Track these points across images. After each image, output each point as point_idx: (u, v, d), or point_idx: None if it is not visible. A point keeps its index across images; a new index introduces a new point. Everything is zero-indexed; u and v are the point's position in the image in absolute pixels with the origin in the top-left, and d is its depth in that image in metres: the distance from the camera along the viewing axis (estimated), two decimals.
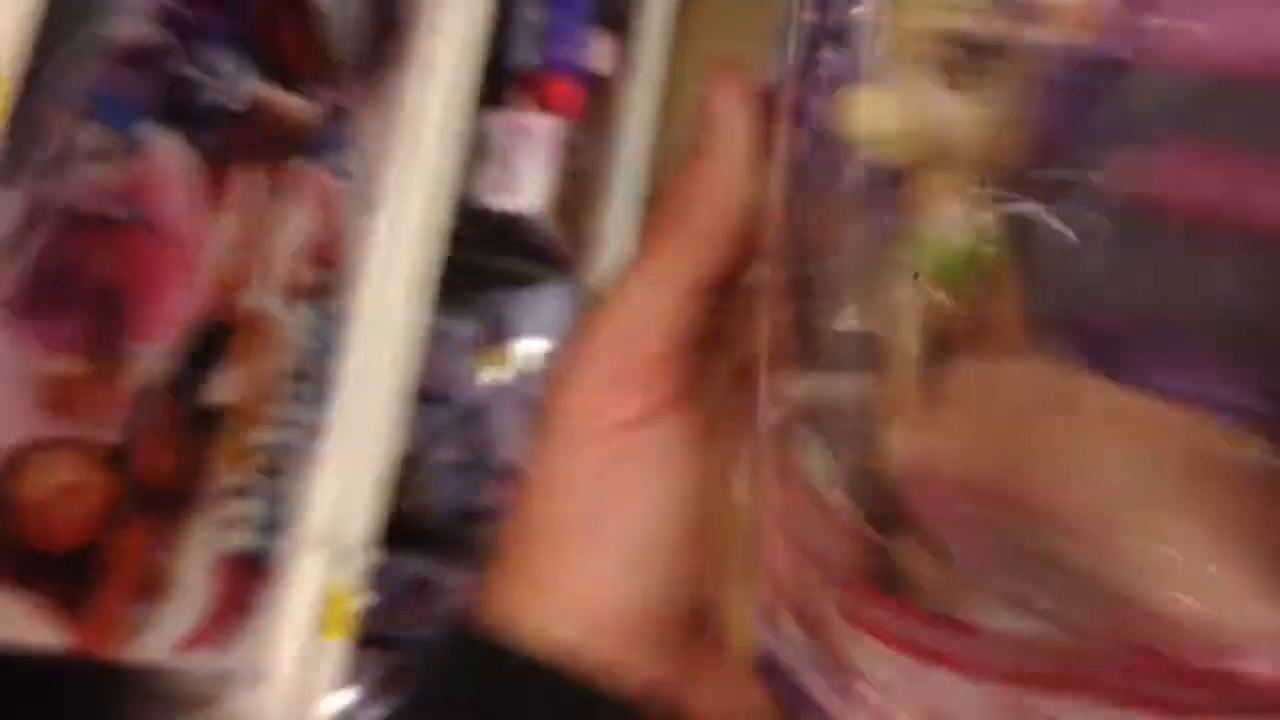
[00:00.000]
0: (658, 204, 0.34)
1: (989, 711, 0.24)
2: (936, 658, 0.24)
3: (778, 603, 0.28)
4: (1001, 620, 0.24)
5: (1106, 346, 0.23)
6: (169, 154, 0.62)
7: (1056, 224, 0.23)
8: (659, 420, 0.32)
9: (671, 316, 0.32)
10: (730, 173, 0.32)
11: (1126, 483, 0.23)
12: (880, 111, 0.27)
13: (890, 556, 0.26)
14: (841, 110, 0.27)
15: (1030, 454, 0.24)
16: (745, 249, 0.33)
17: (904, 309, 0.25)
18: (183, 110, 0.62)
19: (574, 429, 0.33)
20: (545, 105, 1.09)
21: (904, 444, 0.25)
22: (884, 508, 0.25)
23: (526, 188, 1.05)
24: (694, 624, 0.32)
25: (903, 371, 0.25)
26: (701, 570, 0.32)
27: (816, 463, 0.27)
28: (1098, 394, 0.23)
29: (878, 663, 0.25)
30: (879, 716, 0.26)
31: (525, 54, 1.09)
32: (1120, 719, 0.23)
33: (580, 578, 0.32)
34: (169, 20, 0.59)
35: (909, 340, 0.25)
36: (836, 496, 0.26)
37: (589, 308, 0.34)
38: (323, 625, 0.83)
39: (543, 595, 0.32)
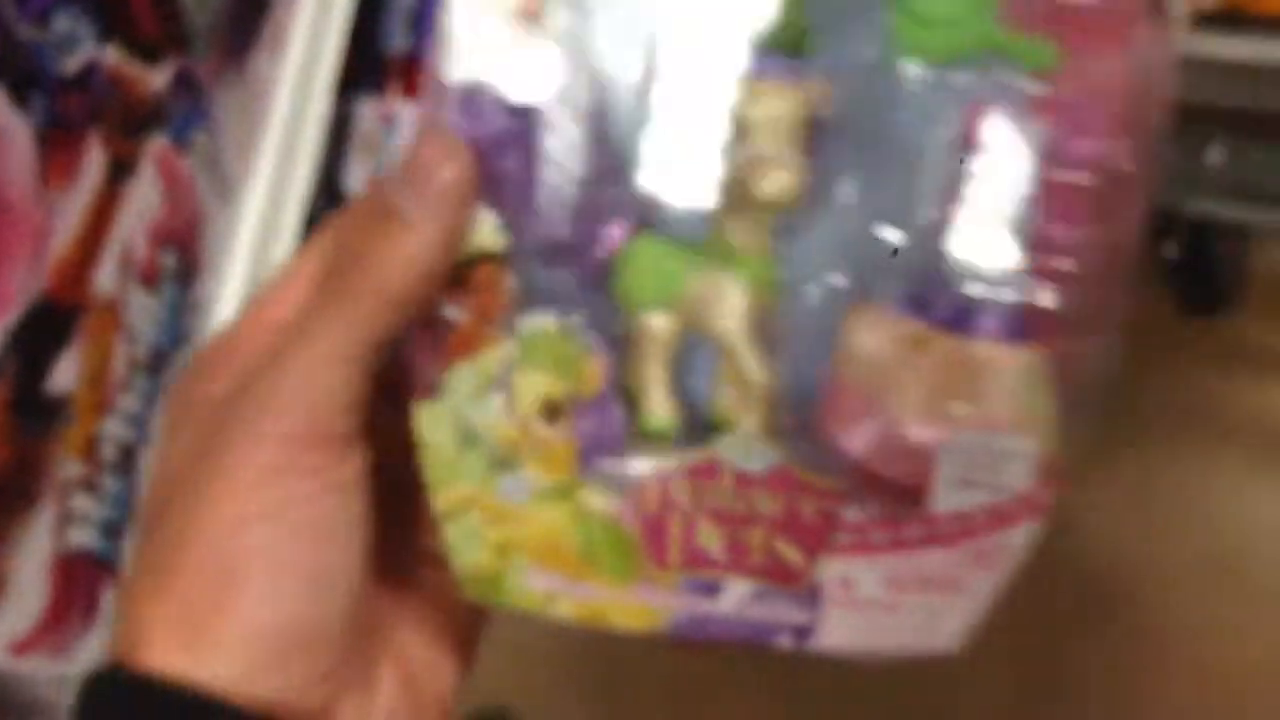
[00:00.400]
0: (336, 245, 0.36)
1: None
2: None
3: None
4: None
5: None
6: (3, 117, 0.58)
7: None
8: (331, 469, 0.34)
9: (344, 390, 0.34)
10: (423, 245, 0.34)
11: None
12: None
13: None
14: None
15: None
16: (421, 309, 0.35)
17: None
18: (13, 72, 0.58)
19: (242, 478, 0.33)
20: (419, 94, 1.07)
21: None
22: None
23: None
24: (366, 639, 0.36)
25: None
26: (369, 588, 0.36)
27: None
28: None
29: None
30: None
31: (396, 40, 1.06)
32: None
33: (253, 614, 0.33)
34: None
35: None
36: None
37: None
38: None
39: (211, 633, 0.33)
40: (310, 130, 0.89)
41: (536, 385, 0.37)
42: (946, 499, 0.37)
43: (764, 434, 0.39)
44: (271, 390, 0.33)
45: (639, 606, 0.39)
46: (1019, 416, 0.37)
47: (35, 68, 0.61)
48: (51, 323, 0.67)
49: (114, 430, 0.74)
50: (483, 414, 0.37)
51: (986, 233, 0.38)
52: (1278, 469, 1.46)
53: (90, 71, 0.66)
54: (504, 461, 0.37)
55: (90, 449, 0.72)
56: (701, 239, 0.39)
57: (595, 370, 0.37)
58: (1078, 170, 0.38)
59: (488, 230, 0.36)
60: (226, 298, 0.83)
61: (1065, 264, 0.38)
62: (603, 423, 0.38)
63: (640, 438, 0.39)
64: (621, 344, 0.39)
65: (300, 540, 0.33)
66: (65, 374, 0.68)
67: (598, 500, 0.38)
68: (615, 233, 0.39)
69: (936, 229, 0.39)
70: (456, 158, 0.34)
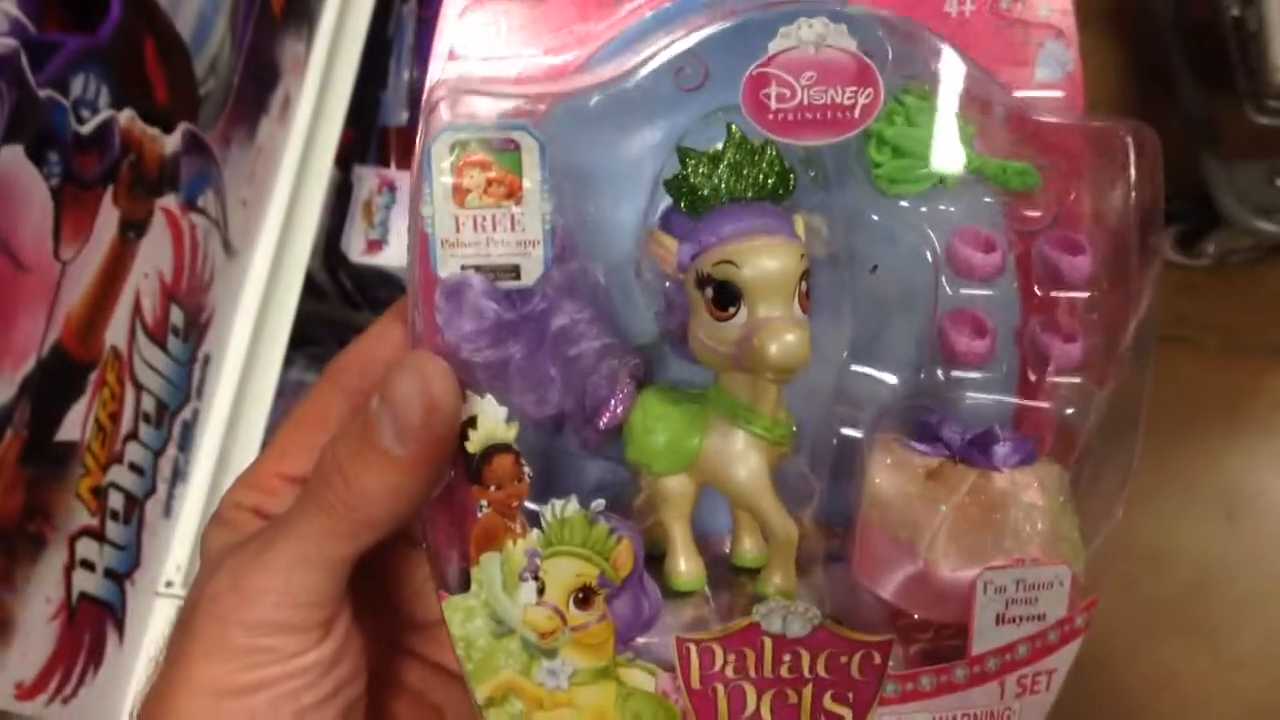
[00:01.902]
0: (325, 455, 0.37)
1: None
2: None
3: None
4: None
5: None
6: (21, 175, 0.60)
7: None
8: (303, 653, 0.36)
9: (318, 589, 0.36)
10: (403, 478, 0.35)
11: None
12: None
13: None
14: None
15: None
16: (400, 525, 0.37)
17: None
18: (31, 131, 0.61)
19: (219, 657, 0.36)
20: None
21: None
22: None
23: (395, 244, 1.05)
24: None
25: None
26: None
27: None
28: None
29: None
30: None
31: (397, 112, 1.10)
32: None
33: None
34: (19, 35, 0.58)
35: None
36: None
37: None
38: None
39: None
40: (314, 195, 0.91)
41: (567, 572, 0.37)
42: (987, 638, 0.37)
43: (797, 587, 0.39)
44: (252, 583, 0.36)
45: None
46: (1050, 545, 0.37)
47: (52, 127, 0.62)
48: (64, 374, 0.68)
49: (121, 480, 0.75)
50: (515, 605, 0.37)
51: (988, 358, 0.39)
52: None
53: (105, 132, 0.68)
54: (541, 649, 0.37)
55: (98, 498, 0.73)
56: (706, 388, 0.40)
57: (624, 552, 0.37)
58: (1070, 287, 0.39)
59: (497, 422, 0.37)
60: (231, 352, 0.85)
61: (1066, 377, 0.39)
62: (637, 603, 0.38)
63: (671, 594, 0.39)
64: (642, 512, 0.40)
65: (276, 712, 0.36)
66: (75, 424, 0.69)
67: (640, 679, 0.38)
68: (621, 397, 0.39)
69: (937, 359, 0.40)
70: (436, 392, 0.35)
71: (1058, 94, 0.39)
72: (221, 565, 0.37)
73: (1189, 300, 1.51)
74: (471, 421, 0.37)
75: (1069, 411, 0.39)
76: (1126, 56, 1.63)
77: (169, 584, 0.82)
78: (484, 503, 0.37)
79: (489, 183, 0.36)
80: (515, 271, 0.37)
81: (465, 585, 0.37)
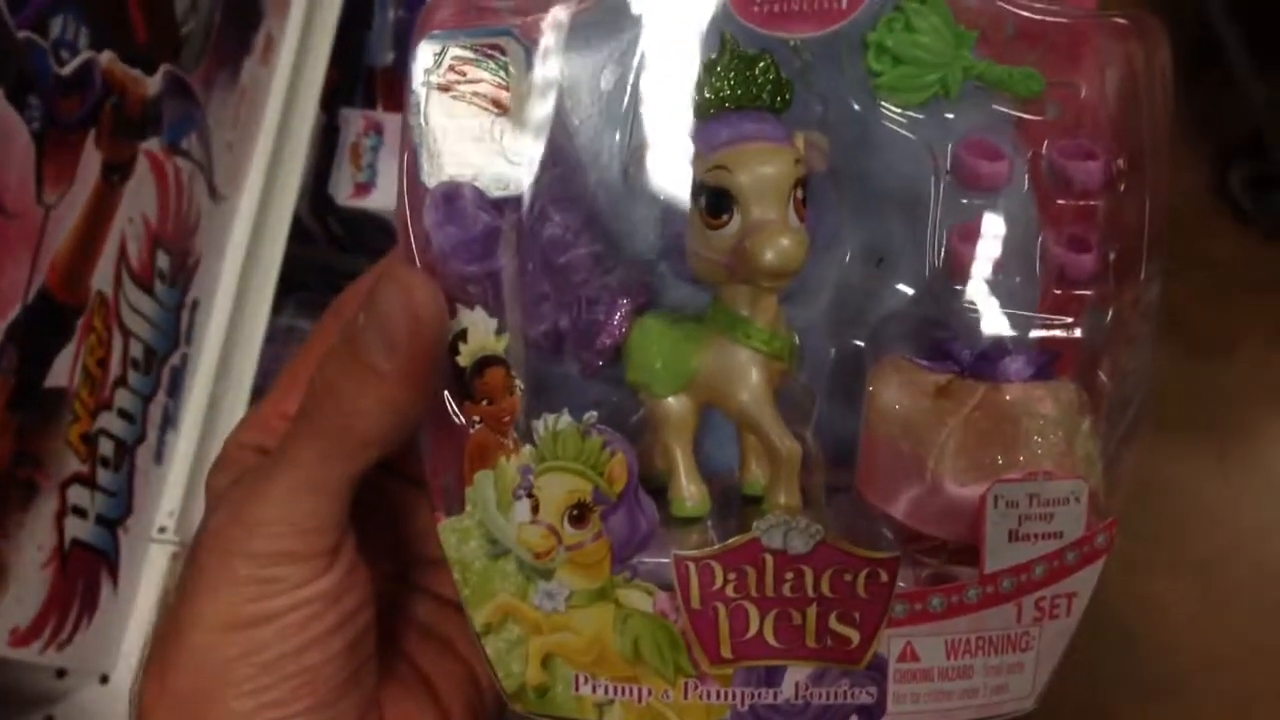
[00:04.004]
0: (314, 379, 0.36)
1: None
2: None
3: None
4: None
5: None
6: (2, 118, 0.59)
7: None
8: (309, 582, 0.36)
9: (318, 515, 0.36)
10: (393, 393, 0.35)
11: None
12: None
13: None
14: None
15: None
16: (396, 443, 0.36)
17: None
18: (11, 74, 0.60)
19: (226, 589, 0.36)
20: (399, 106, 1.08)
21: None
22: None
23: (383, 188, 1.04)
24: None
25: None
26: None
27: None
28: None
29: None
30: None
31: (382, 52, 1.08)
32: None
33: (240, 706, 0.36)
34: None
35: None
36: None
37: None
38: None
39: None
40: (299, 138, 0.91)
41: (561, 488, 0.36)
42: (1000, 556, 0.35)
43: (802, 507, 0.37)
44: (253, 514, 0.36)
45: (696, 705, 0.37)
46: (1064, 459, 0.36)
47: (33, 70, 0.62)
48: (50, 320, 0.67)
49: (111, 427, 0.75)
50: (510, 524, 0.36)
51: (998, 271, 0.37)
52: None
53: (86, 74, 0.67)
54: (537, 570, 0.36)
55: (88, 444, 0.73)
56: (705, 311, 0.38)
57: (619, 466, 0.36)
58: (1082, 194, 0.37)
59: (487, 334, 0.36)
60: (219, 298, 0.85)
61: (1081, 290, 0.37)
62: (633, 519, 0.36)
63: (675, 523, 0.38)
64: (639, 432, 0.38)
65: (284, 644, 0.36)
66: (63, 370, 0.69)
67: (638, 599, 0.36)
68: (619, 318, 0.38)
69: (944, 273, 0.38)
70: (420, 301, 0.34)
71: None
72: (223, 497, 0.37)
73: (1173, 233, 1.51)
74: (462, 335, 0.36)
75: (1087, 326, 0.37)
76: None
77: (162, 530, 0.82)
78: (476, 418, 0.36)
79: (474, 90, 0.35)
80: (504, 181, 0.36)
81: (461, 507, 0.36)
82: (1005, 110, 0.37)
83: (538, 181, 0.36)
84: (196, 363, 0.85)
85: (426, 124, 0.36)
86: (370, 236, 1.09)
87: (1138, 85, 0.37)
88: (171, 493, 0.83)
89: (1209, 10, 1.55)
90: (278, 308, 0.92)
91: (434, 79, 0.35)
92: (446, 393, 0.36)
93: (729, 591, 0.36)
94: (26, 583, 0.67)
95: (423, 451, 0.37)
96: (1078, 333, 0.37)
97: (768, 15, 0.36)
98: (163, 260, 0.79)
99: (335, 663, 0.36)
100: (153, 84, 0.75)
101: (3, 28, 0.59)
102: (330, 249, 1.10)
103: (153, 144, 0.76)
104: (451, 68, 0.35)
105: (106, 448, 0.75)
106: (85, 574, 0.73)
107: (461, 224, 0.36)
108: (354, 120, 1.05)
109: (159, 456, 0.82)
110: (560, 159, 0.37)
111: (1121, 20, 0.37)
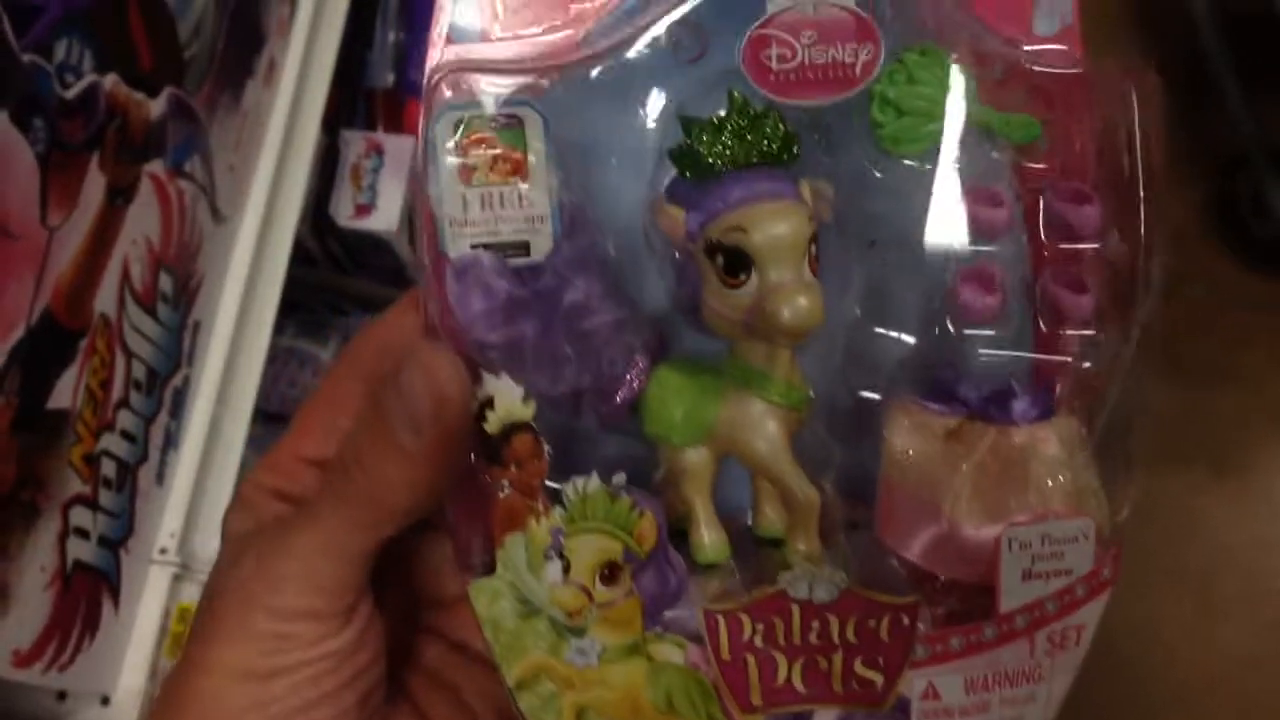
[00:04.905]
0: (344, 445, 0.37)
1: None
2: None
3: None
4: None
5: None
6: (7, 141, 0.60)
7: None
8: (323, 640, 0.37)
9: (339, 577, 0.36)
10: (419, 471, 0.36)
11: None
12: None
13: None
14: None
15: None
16: (422, 513, 0.37)
17: None
18: (16, 96, 0.60)
19: (241, 640, 0.36)
20: (404, 126, 1.09)
21: None
22: None
23: (383, 209, 1.05)
24: None
25: None
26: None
27: None
28: None
29: None
30: None
31: (383, 74, 1.09)
32: None
33: None
34: None
35: None
36: None
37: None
38: (169, 645, 0.80)
39: None
40: (301, 159, 0.91)
41: (592, 549, 0.37)
42: (1014, 595, 0.37)
43: (821, 552, 0.39)
44: (277, 569, 0.36)
45: None
46: (1072, 498, 0.37)
47: (37, 92, 0.62)
48: (53, 342, 0.67)
49: (114, 447, 0.75)
50: (541, 584, 0.37)
51: (1000, 313, 0.39)
52: None
53: (90, 97, 0.67)
54: (569, 628, 0.37)
55: (91, 466, 0.73)
56: (719, 359, 0.39)
57: (648, 526, 0.37)
58: (1079, 237, 0.38)
59: (514, 401, 0.37)
60: (221, 318, 0.85)
61: (1079, 329, 0.38)
62: (663, 576, 0.37)
63: (696, 568, 0.38)
64: (661, 486, 0.39)
65: (295, 697, 0.36)
66: (66, 392, 0.69)
67: (670, 652, 0.37)
68: (637, 373, 0.39)
69: (948, 316, 0.39)
70: (444, 383, 0.35)
71: (1057, 46, 0.39)
72: (247, 549, 0.37)
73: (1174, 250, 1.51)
74: (489, 402, 0.36)
75: (1084, 364, 0.38)
76: (1159, 57, 1.61)
77: (163, 551, 0.82)
78: (505, 483, 0.37)
79: (494, 160, 0.36)
80: (525, 248, 0.37)
81: (489, 567, 0.37)
82: (1002, 157, 0.39)
83: (558, 248, 0.37)
84: (198, 383, 0.86)
85: (447, 194, 0.36)
86: (370, 257, 1.09)
87: (1133, 135, 0.38)
88: (173, 513, 0.83)
89: (1201, 36, 1.56)
90: (279, 328, 0.92)
91: (453, 149, 0.36)
92: (474, 457, 0.37)
93: (758, 642, 0.37)
94: (29, 604, 0.67)
95: (448, 514, 0.38)
96: (1077, 367, 0.38)
97: (783, 83, 0.37)
98: (165, 282, 0.79)
99: (345, 717, 0.37)
100: (156, 107, 0.75)
101: (8, 51, 0.59)
102: (331, 269, 1.10)
103: (156, 166, 0.76)
104: (471, 139, 0.36)
105: (109, 469, 0.75)
106: (87, 595, 0.73)
107: (483, 294, 0.36)
108: (355, 142, 1.05)
109: (160, 477, 0.82)
110: (580, 224, 0.38)
111: (1116, 73, 0.38)
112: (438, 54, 0.38)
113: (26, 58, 0.61)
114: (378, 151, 1.05)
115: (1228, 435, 1.50)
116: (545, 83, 0.37)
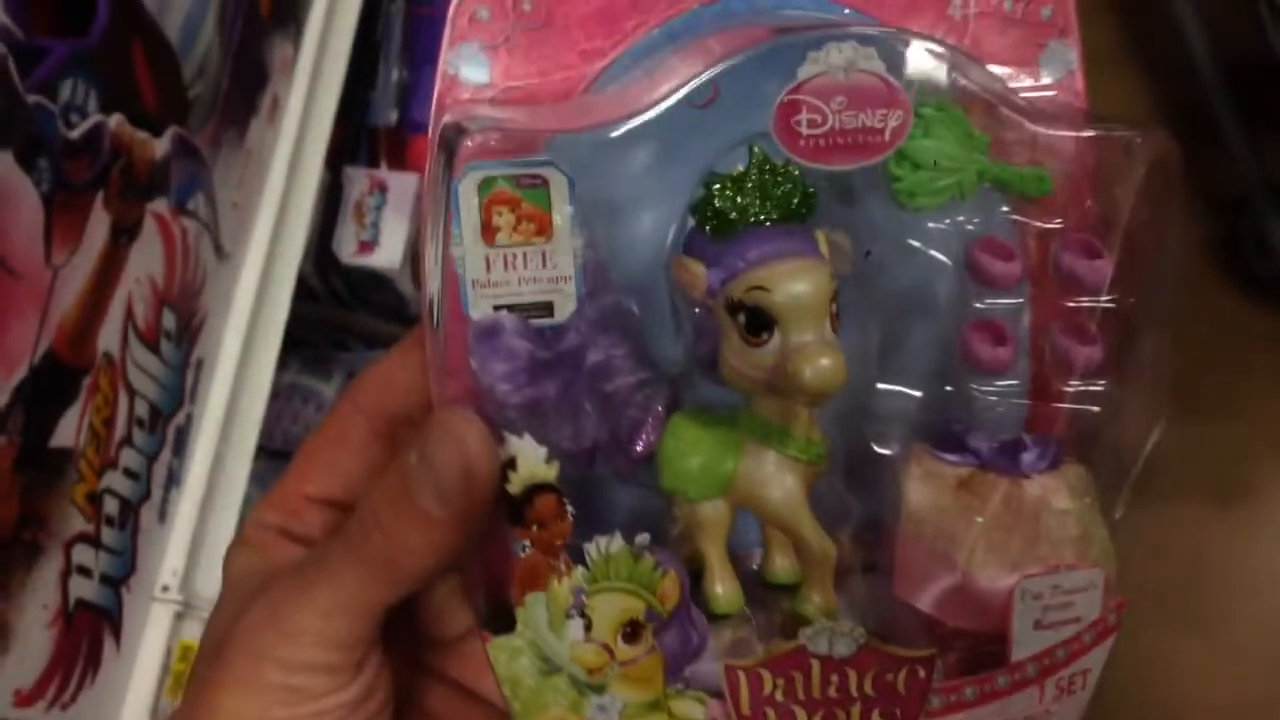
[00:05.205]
0: (364, 502, 0.37)
1: None
2: None
3: None
4: None
5: None
6: (11, 182, 0.60)
7: None
8: (335, 692, 0.36)
9: (354, 633, 0.36)
10: (439, 538, 0.35)
11: None
12: None
13: None
14: None
15: None
16: (439, 576, 0.37)
17: None
18: (21, 136, 0.60)
19: (253, 693, 0.36)
20: (407, 164, 1.10)
21: None
22: None
23: (386, 245, 1.05)
24: None
25: None
26: None
27: None
28: None
29: None
30: None
31: (386, 112, 1.09)
32: None
33: None
34: (6, 40, 0.58)
35: None
36: None
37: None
38: (171, 683, 0.80)
39: None
40: (304, 197, 0.91)
41: (614, 608, 0.37)
42: (1026, 645, 0.38)
43: (834, 603, 0.39)
44: (291, 623, 0.36)
45: None
46: (1082, 548, 0.38)
47: (42, 133, 0.62)
48: (57, 381, 0.67)
49: (116, 486, 0.75)
50: (562, 642, 0.37)
51: (1009, 364, 0.39)
52: None
53: (95, 137, 0.67)
54: (590, 685, 0.37)
55: (93, 504, 0.73)
56: (735, 409, 0.39)
57: (670, 585, 0.37)
58: (1092, 291, 0.39)
59: (537, 462, 0.36)
60: (224, 356, 0.85)
61: (1088, 380, 0.39)
62: (685, 634, 0.37)
63: (709, 617, 0.39)
64: (678, 543, 0.39)
65: None
66: (69, 430, 0.69)
67: (690, 708, 0.38)
68: (651, 426, 0.39)
69: (958, 367, 0.40)
70: (473, 454, 0.35)
71: (1062, 96, 0.39)
72: (259, 598, 0.37)
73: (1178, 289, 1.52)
74: (511, 463, 0.36)
75: (1092, 411, 0.39)
76: (1158, 99, 1.62)
77: (165, 589, 0.81)
78: (526, 543, 0.36)
79: (518, 220, 0.36)
80: (548, 309, 0.37)
81: (508, 625, 0.37)
82: (1013, 210, 0.39)
83: (581, 308, 0.37)
84: (201, 421, 0.86)
85: (470, 254, 0.36)
86: (373, 293, 1.09)
87: (1144, 190, 0.38)
88: (175, 551, 0.83)
89: (1201, 77, 1.57)
90: (282, 364, 0.92)
91: (476, 210, 0.36)
92: (493, 517, 0.37)
93: (778, 696, 0.37)
94: (30, 643, 0.67)
95: (467, 572, 0.38)
96: (1085, 413, 0.39)
97: (814, 149, 0.36)
98: (169, 320, 0.79)
99: None
100: (160, 146, 0.76)
101: (13, 91, 0.59)
102: (334, 306, 1.10)
103: (160, 205, 0.76)
104: (494, 198, 0.36)
105: (111, 506, 0.75)
106: (89, 634, 0.73)
107: (506, 355, 0.36)
108: (358, 179, 1.06)
109: (163, 515, 0.82)
110: (603, 283, 0.37)
111: (1130, 132, 0.38)
112: (441, 91, 0.38)
113: (32, 98, 0.61)
114: (381, 189, 1.06)
115: (1232, 469, 1.49)
116: (561, 137, 0.37)
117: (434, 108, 0.38)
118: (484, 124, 0.36)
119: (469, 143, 0.36)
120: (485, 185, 0.36)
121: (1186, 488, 1.45)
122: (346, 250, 1.04)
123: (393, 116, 1.10)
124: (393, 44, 1.10)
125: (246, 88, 0.88)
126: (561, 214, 0.36)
